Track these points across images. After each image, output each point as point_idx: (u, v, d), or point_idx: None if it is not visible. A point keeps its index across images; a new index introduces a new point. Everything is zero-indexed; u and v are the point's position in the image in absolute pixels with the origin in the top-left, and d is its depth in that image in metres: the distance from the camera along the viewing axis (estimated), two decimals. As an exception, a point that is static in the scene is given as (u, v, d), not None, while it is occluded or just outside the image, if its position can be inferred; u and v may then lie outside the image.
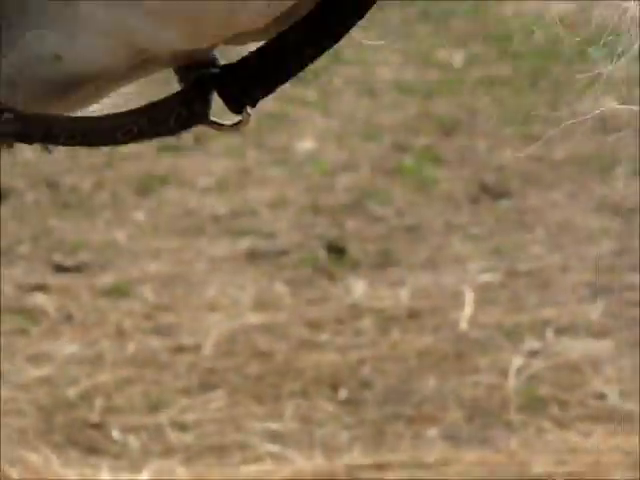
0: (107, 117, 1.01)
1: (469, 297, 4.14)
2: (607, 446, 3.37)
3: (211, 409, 3.57)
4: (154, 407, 3.56)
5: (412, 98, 5.94)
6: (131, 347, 3.85)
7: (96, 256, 4.50)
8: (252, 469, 3.31)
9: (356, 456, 3.37)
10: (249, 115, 1.01)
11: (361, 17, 0.99)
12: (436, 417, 3.55)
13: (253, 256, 4.48)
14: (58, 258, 4.47)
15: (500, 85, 6.07)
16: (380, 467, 3.34)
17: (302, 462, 3.35)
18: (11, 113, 0.95)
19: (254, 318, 4.05)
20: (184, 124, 1.01)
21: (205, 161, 5.22)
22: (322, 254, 4.48)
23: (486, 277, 4.31)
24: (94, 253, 4.49)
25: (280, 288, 4.26)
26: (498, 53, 6.30)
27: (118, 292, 4.22)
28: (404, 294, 4.21)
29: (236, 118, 1.04)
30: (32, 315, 4.03)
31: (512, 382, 3.66)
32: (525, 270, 4.37)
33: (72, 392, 3.56)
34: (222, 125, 1.04)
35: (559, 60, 4.97)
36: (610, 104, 1.12)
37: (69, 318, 4.05)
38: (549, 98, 5.48)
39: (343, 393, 3.67)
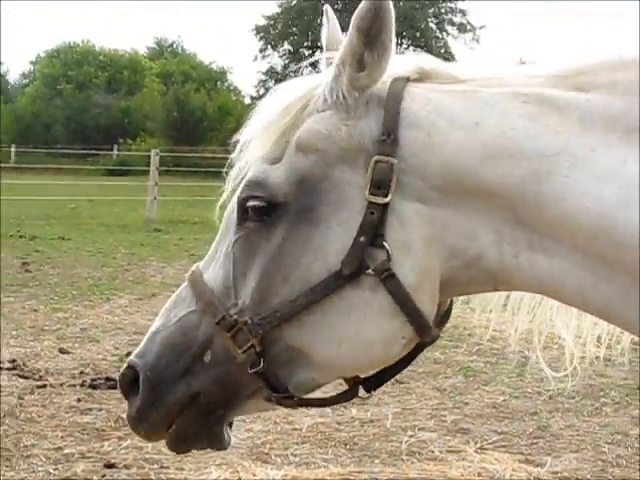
0: (322, 398, 2.32)
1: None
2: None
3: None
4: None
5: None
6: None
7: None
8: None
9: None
10: (372, 394, 2.31)
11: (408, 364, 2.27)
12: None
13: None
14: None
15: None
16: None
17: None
18: (295, 398, 2.21)
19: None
20: (346, 400, 2.33)
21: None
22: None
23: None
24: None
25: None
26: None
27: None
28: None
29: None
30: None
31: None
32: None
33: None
34: (361, 397, 2.31)
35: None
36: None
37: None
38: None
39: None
